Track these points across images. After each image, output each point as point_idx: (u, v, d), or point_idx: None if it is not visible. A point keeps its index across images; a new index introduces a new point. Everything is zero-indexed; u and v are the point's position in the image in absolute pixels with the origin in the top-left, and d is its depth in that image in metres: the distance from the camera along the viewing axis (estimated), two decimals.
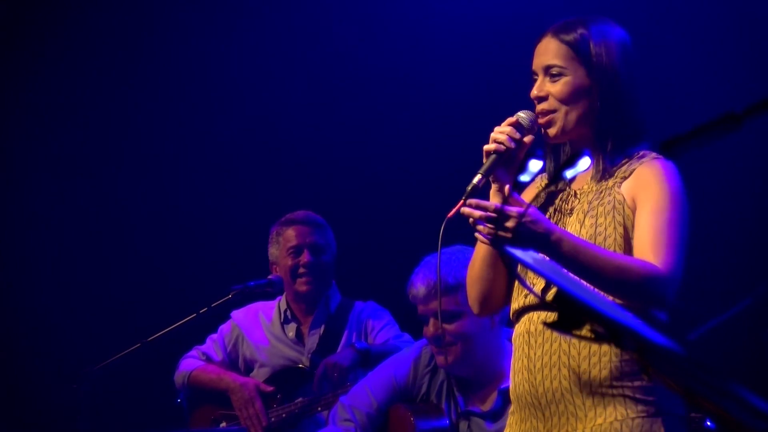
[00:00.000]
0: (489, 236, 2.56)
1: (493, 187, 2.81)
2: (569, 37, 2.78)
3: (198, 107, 5.90)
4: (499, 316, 3.83)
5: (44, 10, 5.79)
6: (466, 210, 2.58)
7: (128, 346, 4.62)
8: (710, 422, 3.65)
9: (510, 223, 2.53)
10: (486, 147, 2.75)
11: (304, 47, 5.80)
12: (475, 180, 2.71)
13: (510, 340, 3.91)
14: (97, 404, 4.61)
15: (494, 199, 2.79)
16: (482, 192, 2.75)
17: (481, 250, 2.85)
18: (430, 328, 3.90)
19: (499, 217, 2.53)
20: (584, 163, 2.47)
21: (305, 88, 5.82)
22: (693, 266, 2.72)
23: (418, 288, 3.89)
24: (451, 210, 2.68)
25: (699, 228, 2.75)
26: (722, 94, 4.79)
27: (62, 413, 4.87)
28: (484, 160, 2.73)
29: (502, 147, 2.73)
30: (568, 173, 2.50)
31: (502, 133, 2.74)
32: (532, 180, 2.90)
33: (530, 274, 2.77)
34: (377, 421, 4.06)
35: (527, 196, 2.90)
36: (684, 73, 5.00)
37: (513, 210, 2.54)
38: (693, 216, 2.73)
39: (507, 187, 2.68)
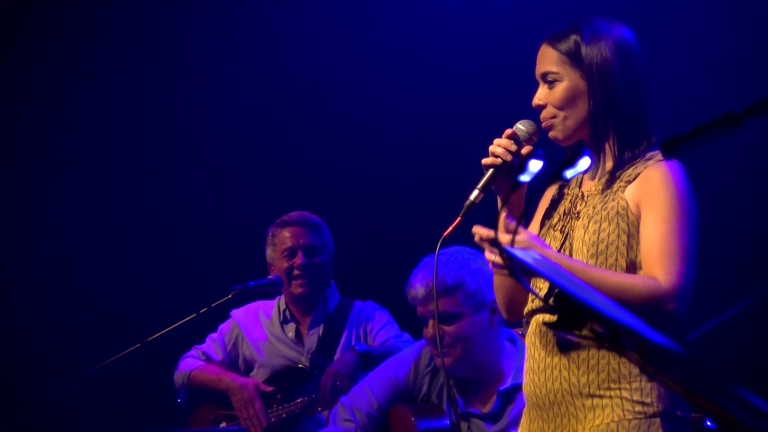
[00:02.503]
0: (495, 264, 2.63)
1: (498, 198, 2.83)
2: (561, 43, 2.79)
3: (197, 107, 5.90)
4: (498, 316, 3.83)
5: (44, 10, 5.78)
6: (474, 233, 2.64)
7: (128, 346, 4.62)
8: (710, 422, 3.65)
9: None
10: (484, 161, 2.76)
11: (304, 48, 5.80)
12: (473, 196, 2.73)
13: (509, 340, 3.93)
14: (97, 404, 4.61)
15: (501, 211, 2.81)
16: (481, 206, 2.75)
17: None
18: (429, 330, 3.89)
19: (495, 246, 2.56)
20: (584, 163, 2.45)
21: (305, 89, 5.82)
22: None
23: (417, 289, 3.89)
24: (447, 228, 2.70)
25: (699, 228, 2.74)
26: (722, 94, 4.79)
27: (62, 413, 4.87)
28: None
29: (499, 161, 2.74)
30: (568, 173, 2.49)
31: (499, 146, 2.75)
32: (533, 180, 2.90)
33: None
34: (378, 422, 4.06)
35: (545, 197, 2.91)
36: (684, 73, 5.00)
37: (502, 241, 2.54)
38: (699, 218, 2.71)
39: (504, 217, 2.68)
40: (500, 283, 2.88)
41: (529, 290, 2.74)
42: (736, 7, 4.99)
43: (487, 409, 3.87)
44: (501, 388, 3.84)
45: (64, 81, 5.83)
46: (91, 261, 5.86)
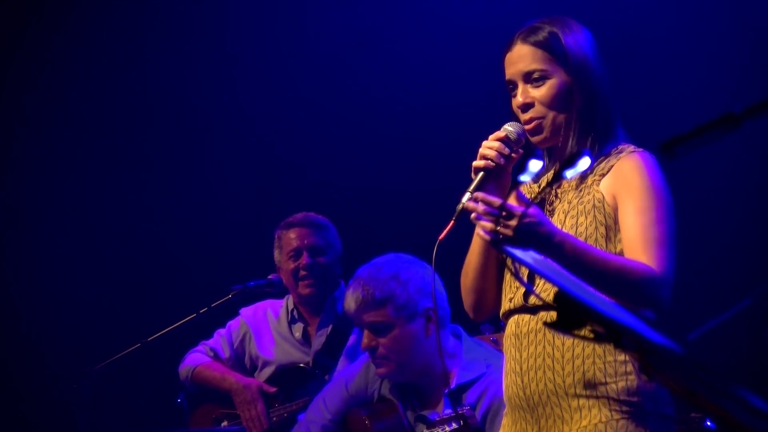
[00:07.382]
0: (491, 233, 2.49)
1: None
2: (541, 40, 2.76)
3: (198, 108, 5.90)
4: (434, 323, 3.76)
5: (45, 10, 5.78)
6: (470, 204, 2.52)
7: (128, 346, 4.63)
8: (710, 422, 3.65)
9: (513, 222, 2.46)
10: (475, 163, 2.72)
11: (305, 50, 5.80)
12: (465, 199, 2.65)
13: (454, 335, 3.87)
14: (97, 404, 4.61)
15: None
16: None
17: (473, 262, 2.84)
18: (364, 341, 3.87)
19: (502, 214, 2.47)
20: (584, 163, 2.45)
21: (307, 89, 5.82)
22: (693, 266, 2.72)
23: (348, 302, 3.85)
24: (441, 232, 2.67)
25: (699, 228, 2.74)
26: (722, 94, 4.79)
27: (62, 413, 4.87)
28: (473, 176, 2.71)
29: (492, 164, 2.70)
30: (569, 173, 2.48)
31: (491, 149, 2.71)
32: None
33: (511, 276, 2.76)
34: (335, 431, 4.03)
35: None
36: (684, 73, 5.00)
37: (517, 208, 2.48)
38: (687, 212, 2.72)
39: (515, 191, 2.63)
40: (472, 286, 2.84)
41: (526, 287, 2.73)
42: (736, 7, 4.99)
43: (438, 411, 3.82)
44: (447, 391, 3.77)
45: (65, 81, 5.83)
46: (92, 261, 5.86)
